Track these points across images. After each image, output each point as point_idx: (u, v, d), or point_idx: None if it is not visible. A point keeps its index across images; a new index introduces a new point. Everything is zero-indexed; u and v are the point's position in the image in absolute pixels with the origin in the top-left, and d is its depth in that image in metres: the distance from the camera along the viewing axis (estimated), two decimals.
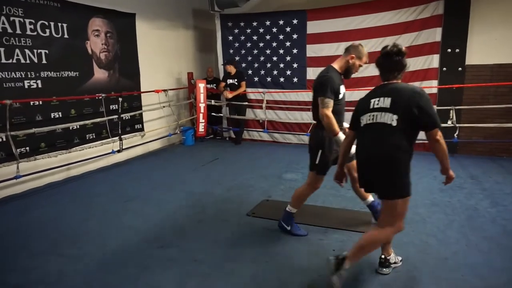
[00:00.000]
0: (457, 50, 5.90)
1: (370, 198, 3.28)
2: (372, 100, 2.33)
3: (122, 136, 5.79)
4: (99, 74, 5.64)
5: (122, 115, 5.83)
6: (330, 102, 2.83)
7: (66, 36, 5.01)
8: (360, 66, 2.99)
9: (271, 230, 3.30)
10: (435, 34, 6.01)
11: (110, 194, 4.39)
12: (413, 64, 6.14)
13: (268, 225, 3.40)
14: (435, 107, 3.64)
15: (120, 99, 5.72)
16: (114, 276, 2.60)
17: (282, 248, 2.96)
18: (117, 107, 5.79)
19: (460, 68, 5.95)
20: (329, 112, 2.82)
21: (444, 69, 6.01)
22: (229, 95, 7.08)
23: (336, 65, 3.00)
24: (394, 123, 2.20)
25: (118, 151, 5.73)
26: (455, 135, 5.74)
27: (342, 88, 2.98)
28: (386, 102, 2.26)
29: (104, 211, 3.85)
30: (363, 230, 3.22)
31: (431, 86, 6.06)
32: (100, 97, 5.41)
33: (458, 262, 2.70)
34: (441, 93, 6.02)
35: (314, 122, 3.10)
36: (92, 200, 4.21)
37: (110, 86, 5.82)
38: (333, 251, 2.88)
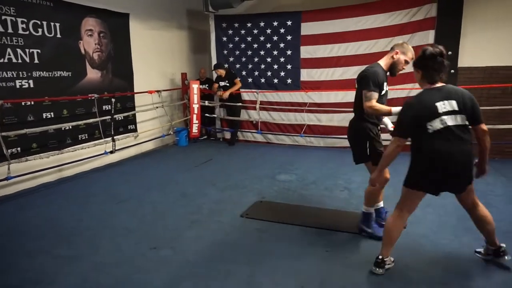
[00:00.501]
0: (450, 53, 5.94)
1: (382, 203, 3.28)
2: (438, 104, 2.37)
3: (115, 137, 5.75)
4: (92, 74, 5.59)
5: (115, 116, 5.78)
6: (374, 95, 2.81)
7: (58, 35, 4.96)
8: (407, 62, 3.00)
9: (265, 231, 3.30)
10: (428, 37, 6.06)
11: (104, 195, 4.35)
12: (408, 66, 6.17)
13: (262, 226, 3.39)
14: None
15: (113, 99, 5.68)
16: (107, 276, 2.58)
17: (276, 250, 2.95)
18: (110, 108, 5.75)
19: (452, 71, 6.00)
20: (372, 103, 2.80)
21: None
22: (225, 94, 7.08)
23: (382, 62, 3.01)
24: (466, 123, 2.39)
25: (111, 152, 5.69)
26: None
27: (386, 86, 2.98)
28: (453, 104, 2.37)
29: (98, 212, 3.81)
30: (357, 230, 3.23)
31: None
32: (93, 98, 5.37)
33: (450, 263, 2.71)
34: None
35: (353, 115, 3.09)
36: (86, 200, 4.17)
37: (103, 86, 5.77)
38: (326, 252, 2.88)
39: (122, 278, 2.57)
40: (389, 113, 2.78)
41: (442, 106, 2.36)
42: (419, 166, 2.46)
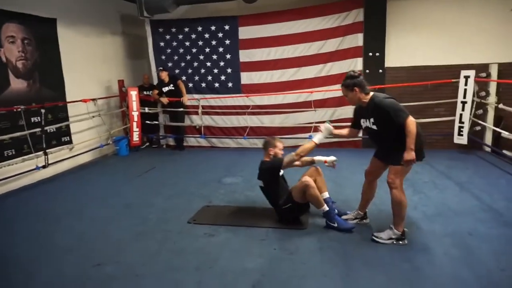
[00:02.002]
0: (377, 54, 6.43)
1: (326, 193, 3.50)
2: None
3: (47, 150, 5.36)
4: (17, 84, 5.17)
5: (46, 128, 5.40)
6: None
7: None
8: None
9: (214, 235, 3.30)
10: (358, 39, 6.49)
11: (37, 215, 4.04)
12: (340, 67, 6.56)
13: (210, 230, 3.39)
14: None
15: (43, 110, 5.30)
16: None
17: (225, 253, 2.97)
18: (39, 120, 5.35)
19: (380, 70, 6.48)
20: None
21: (367, 71, 6.51)
22: (184, 99, 6.99)
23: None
24: None
25: (44, 167, 5.30)
26: None
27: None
28: None
29: (32, 234, 3.53)
30: (303, 227, 3.36)
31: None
32: (19, 110, 4.96)
33: (388, 249, 2.93)
34: None
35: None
36: (16, 222, 3.84)
37: (30, 97, 5.36)
38: (274, 250, 2.96)
39: None
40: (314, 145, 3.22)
41: None
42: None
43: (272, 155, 3.53)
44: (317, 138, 3.24)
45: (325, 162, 3.47)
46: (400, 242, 3.00)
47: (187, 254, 2.97)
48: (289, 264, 2.76)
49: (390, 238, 3.03)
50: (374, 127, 3.02)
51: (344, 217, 3.49)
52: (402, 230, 3.02)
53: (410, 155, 2.78)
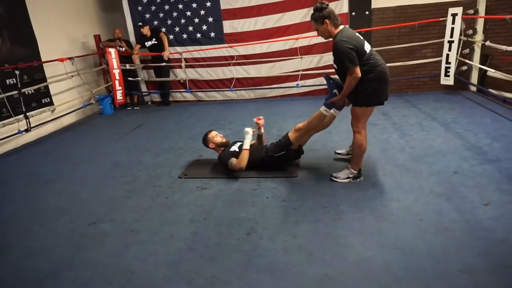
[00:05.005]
0: None
1: None
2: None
3: (27, 114, 5.20)
4: None
5: (23, 90, 5.18)
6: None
7: None
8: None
9: (206, 188, 3.33)
10: None
11: (27, 177, 4.00)
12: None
13: (202, 184, 3.42)
14: None
15: (17, 71, 5.05)
16: (45, 262, 2.44)
17: (218, 204, 3.02)
18: (15, 81, 5.12)
19: (367, 12, 6.26)
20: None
21: (353, 13, 6.29)
22: (165, 54, 6.74)
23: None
24: None
25: (26, 131, 5.16)
26: None
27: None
28: None
29: (23, 196, 3.52)
30: (294, 175, 3.41)
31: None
32: None
33: (377, 191, 3.02)
34: None
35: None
36: (6, 185, 3.81)
37: (1, 57, 5.08)
38: (266, 199, 3.02)
39: (63, 260, 2.45)
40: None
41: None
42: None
43: (213, 148, 3.72)
44: (247, 143, 3.47)
45: (257, 124, 3.71)
46: (357, 179, 3.21)
47: (180, 208, 3.01)
48: (282, 211, 2.83)
49: (348, 177, 3.21)
50: (335, 65, 3.04)
51: (337, 151, 3.78)
52: (359, 169, 3.22)
53: (340, 99, 3.08)
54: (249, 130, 3.53)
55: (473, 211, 2.59)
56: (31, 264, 2.43)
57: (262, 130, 3.80)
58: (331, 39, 3.03)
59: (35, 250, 2.58)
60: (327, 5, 2.94)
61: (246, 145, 3.47)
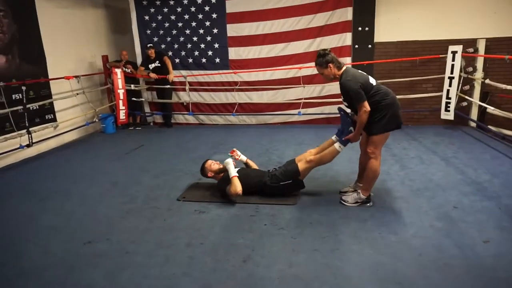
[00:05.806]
0: (367, 29, 6.35)
1: None
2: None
3: (30, 129, 5.23)
4: None
5: (28, 105, 5.24)
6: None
7: None
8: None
9: (204, 212, 3.31)
10: (347, 14, 6.38)
11: (23, 194, 3.97)
12: (329, 42, 6.47)
13: (200, 207, 3.40)
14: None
15: (24, 87, 5.12)
16: (37, 282, 2.38)
17: (215, 229, 2.99)
18: (21, 97, 5.18)
19: (369, 45, 6.43)
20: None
21: (356, 46, 6.45)
22: (170, 77, 6.87)
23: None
24: None
25: (28, 146, 5.18)
26: None
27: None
28: None
29: (18, 214, 3.48)
30: (293, 203, 3.39)
31: (346, 63, 6.46)
32: None
33: (376, 223, 2.99)
34: None
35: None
36: (2, 202, 3.77)
37: (10, 73, 5.17)
38: (265, 226, 2.99)
39: (55, 281, 2.39)
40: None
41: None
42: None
43: (213, 176, 3.73)
44: (232, 172, 3.46)
45: (233, 156, 3.76)
46: (367, 204, 3.27)
47: (178, 231, 2.98)
48: (279, 239, 2.79)
49: (356, 202, 3.27)
50: (345, 103, 3.21)
51: (344, 189, 3.58)
52: (368, 194, 3.27)
53: (354, 138, 3.20)
54: (229, 160, 3.57)
55: (474, 248, 2.56)
56: (21, 285, 2.37)
57: (244, 157, 3.89)
58: (336, 81, 3.19)
59: (27, 270, 2.53)
60: (329, 51, 3.14)
61: (232, 173, 3.46)
